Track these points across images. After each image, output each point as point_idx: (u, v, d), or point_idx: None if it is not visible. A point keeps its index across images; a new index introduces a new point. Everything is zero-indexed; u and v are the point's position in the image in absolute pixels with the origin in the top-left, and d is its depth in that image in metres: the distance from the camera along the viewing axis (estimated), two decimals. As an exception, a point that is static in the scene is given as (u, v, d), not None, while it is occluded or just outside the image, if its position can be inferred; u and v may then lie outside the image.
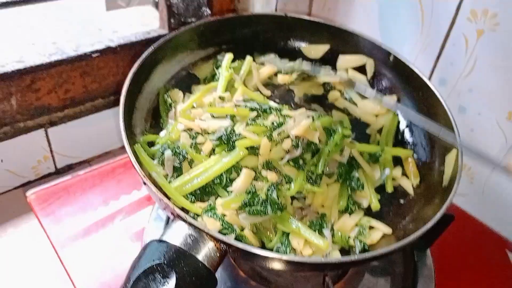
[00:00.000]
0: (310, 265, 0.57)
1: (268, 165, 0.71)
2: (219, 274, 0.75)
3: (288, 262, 0.56)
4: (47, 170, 1.02)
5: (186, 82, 0.89)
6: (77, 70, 0.91)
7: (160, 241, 0.57)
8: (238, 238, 0.64)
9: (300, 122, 0.72)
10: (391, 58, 0.90)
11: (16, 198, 0.99)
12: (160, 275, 0.52)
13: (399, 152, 0.82)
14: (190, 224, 0.58)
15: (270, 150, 0.71)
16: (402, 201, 0.77)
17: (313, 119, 0.73)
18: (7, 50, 0.88)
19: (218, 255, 0.58)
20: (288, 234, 0.68)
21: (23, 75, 0.84)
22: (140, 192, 0.94)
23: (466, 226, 0.94)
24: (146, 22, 1.04)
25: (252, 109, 0.76)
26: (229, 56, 0.89)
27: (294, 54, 0.97)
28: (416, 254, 0.84)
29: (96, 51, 0.90)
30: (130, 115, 0.75)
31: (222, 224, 0.65)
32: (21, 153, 0.94)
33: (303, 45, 0.98)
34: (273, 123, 0.73)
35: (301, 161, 0.72)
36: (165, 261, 0.53)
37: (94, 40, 0.93)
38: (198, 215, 0.67)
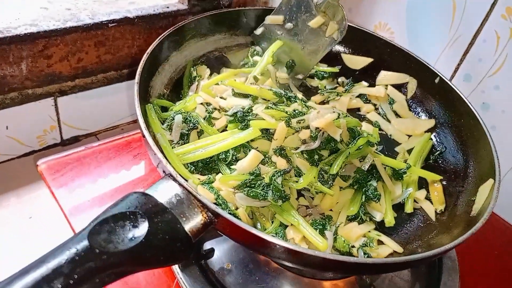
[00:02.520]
0: (303, 256, 0.49)
1: (280, 152, 0.65)
2: (240, 255, 0.72)
3: (276, 247, 0.49)
4: (53, 141, 0.97)
5: (217, 63, 0.86)
6: (91, 39, 0.86)
7: (143, 193, 0.52)
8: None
9: (324, 115, 0.66)
10: (437, 80, 0.84)
11: (20, 167, 0.94)
12: (130, 224, 0.47)
13: (426, 174, 0.74)
14: (179, 184, 0.53)
15: (286, 137, 0.66)
16: (421, 224, 0.69)
17: (338, 116, 0.68)
18: (19, 12, 0.83)
19: (201, 223, 0.52)
20: (285, 227, 0.61)
21: (36, 40, 0.79)
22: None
23: (486, 221, 0.90)
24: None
25: (276, 94, 0.72)
26: (278, 42, 0.85)
27: (334, 60, 0.93)
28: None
29: (113, 21, 0.86)
30: (150, 76, 0.73)
31: (217, 199, 0.60)
32: (28, 121, 0.89)
33: (344, 53, 0.93)
34: (294, 111, 0.68)
35: (316, 157, 0.66)
36: (140, 212, 0.48)
37: (111, 9, 0.88)
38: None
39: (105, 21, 0.86)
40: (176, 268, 0.68)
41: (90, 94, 0.95)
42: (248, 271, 0.71)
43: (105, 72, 0.94)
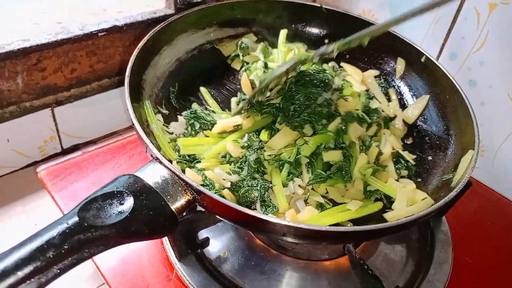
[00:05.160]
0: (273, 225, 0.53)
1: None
2: (235, 243, 0.76)
3: (248, 217, 0.53)
4: (54, 150, 0.99)
5: (208, 55, 0.89)
6: (83, 49, 0.89)
7: (131, 175, 0.56)
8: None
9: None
10: (423, 59, 0.86)
11: (23, 178, 0.97)
12: (117, 202, 0.52)
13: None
14: (165, 166, 0.57)
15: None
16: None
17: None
18: (12, 29, 0.86)
19: (185, 200, 0.56)
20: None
21: (29, 54, 0.82)
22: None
23: (479, 194, 0.95)
24: (150, 3, 1.01)
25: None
26: (284, 31, 0.90)
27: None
28: (431, 221, 0.83)
29: (103, 30, 0.88)
30: (142, 70, 0.77)
31: (204, 180, 0.64)
32: (28, 133, 0.92)
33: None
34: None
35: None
36: (126, 190, 0.53)
37: (100, 19, 0.91)
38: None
39: (95, 31, 0.88)
40: (174, 258, 0.72)
41: (86, 103, 0.97)
42: (244, 257, 0.74)
43: (99, 80, 0.97)
